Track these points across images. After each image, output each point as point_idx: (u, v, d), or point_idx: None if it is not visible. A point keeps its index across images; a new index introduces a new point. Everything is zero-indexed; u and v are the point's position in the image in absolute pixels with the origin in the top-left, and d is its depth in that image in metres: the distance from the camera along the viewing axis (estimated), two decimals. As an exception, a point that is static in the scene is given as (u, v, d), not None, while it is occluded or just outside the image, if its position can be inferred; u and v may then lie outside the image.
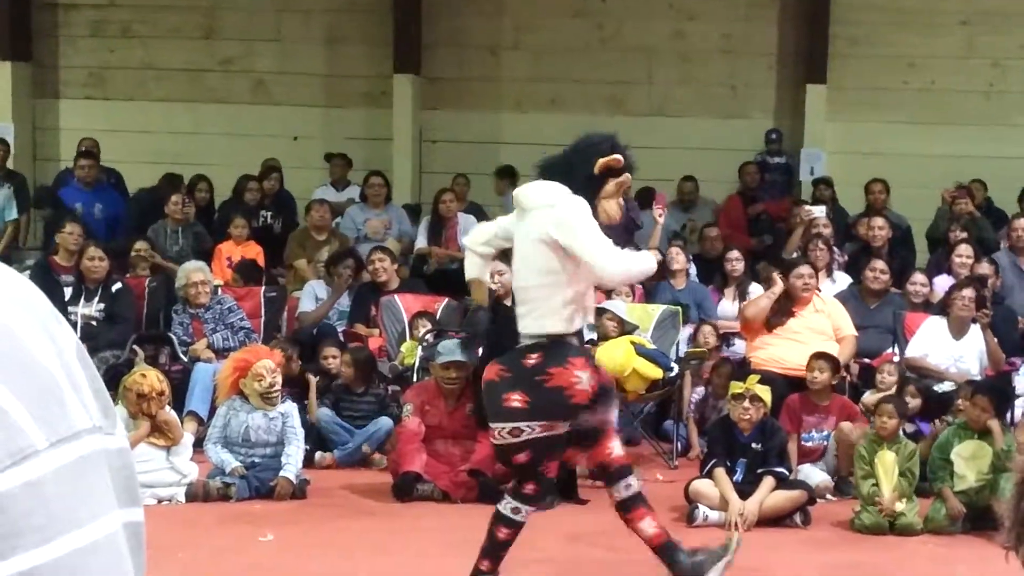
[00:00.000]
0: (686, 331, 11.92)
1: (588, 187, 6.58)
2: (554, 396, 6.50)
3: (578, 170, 6.60)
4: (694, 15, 15.82)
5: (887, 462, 9.06)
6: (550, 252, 6.48)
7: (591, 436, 6.77)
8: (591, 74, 15.89)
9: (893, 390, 10.28)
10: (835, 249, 12.82)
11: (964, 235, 12.85)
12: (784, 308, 10.96)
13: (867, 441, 9.21)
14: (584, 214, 6.48)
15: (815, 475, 9.90)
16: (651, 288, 12.50)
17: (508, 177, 14.69)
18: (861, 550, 8.65)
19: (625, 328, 11.06)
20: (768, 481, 9.11)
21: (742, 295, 12.28)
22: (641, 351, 10.74)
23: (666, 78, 15.86)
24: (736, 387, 9.45)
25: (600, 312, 11.35)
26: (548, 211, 6.51)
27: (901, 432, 9.32)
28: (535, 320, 6.53)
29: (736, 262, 12.75)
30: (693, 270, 13.06)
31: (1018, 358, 11.55)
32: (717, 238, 13.82)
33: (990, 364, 11.04)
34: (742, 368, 10.82)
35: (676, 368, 11.04)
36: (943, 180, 14.27)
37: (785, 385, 10.32)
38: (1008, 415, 10.47)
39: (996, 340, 11.10)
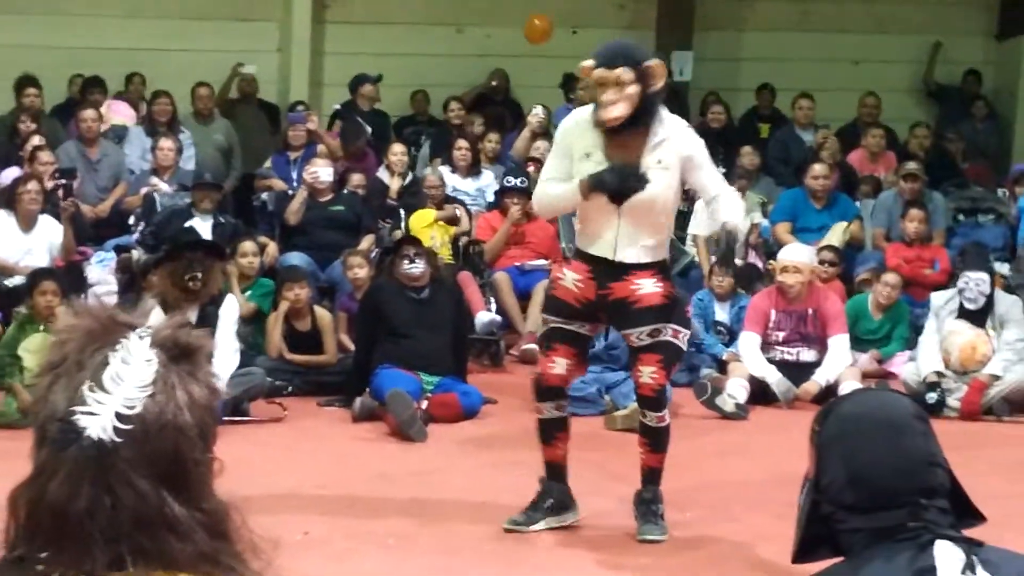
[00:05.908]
0: None
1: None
2: (549, 288, 6.91)
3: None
4: None
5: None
6: None
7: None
8: None
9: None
10: None
11: (34, 127, 12.79)
12: None
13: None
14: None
15: None
16: None
17: None
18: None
19: None
20: None
21: None
22: None
23: None
24: None
25: None
26: None
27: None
28: None
29: None
30: None
31: (91, 247, 11.64)
32: None
33: (61, 255, 11.05)
34: None
35: None
36: (10, 70, 14.01)
37: None
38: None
39: (71, 231, 11.09)
